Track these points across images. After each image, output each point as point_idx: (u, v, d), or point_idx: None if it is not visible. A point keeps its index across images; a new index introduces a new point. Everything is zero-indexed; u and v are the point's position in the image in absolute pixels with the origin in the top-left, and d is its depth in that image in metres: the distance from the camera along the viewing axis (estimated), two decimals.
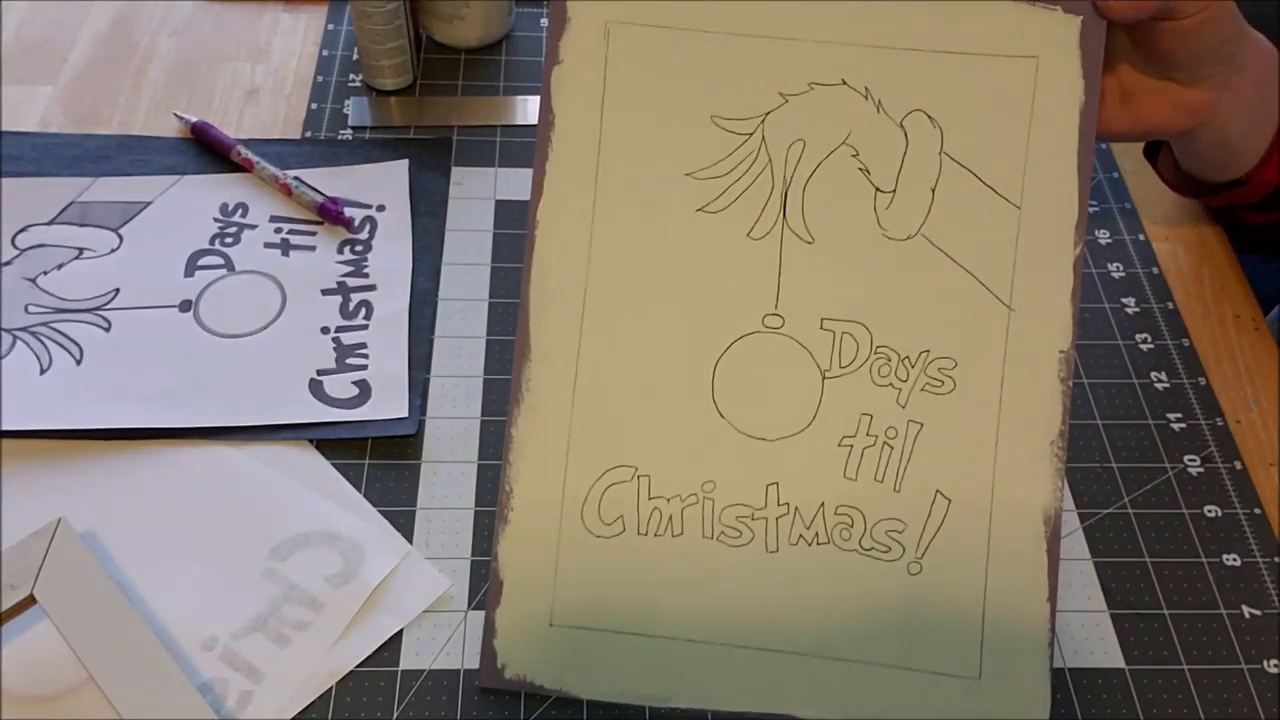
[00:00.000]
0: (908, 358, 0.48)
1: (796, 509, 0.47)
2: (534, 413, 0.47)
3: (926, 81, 0.48)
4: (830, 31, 0.48)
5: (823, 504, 0.47)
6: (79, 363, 0.56)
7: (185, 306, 0.59)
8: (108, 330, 0.58)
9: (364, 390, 0.56)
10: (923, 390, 0.47)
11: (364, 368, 0.57)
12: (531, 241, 0.47)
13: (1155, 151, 0.66)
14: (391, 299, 0.60)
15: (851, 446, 0.47)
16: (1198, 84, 0.53)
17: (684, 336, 0.48)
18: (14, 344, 0.57)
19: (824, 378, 0.48)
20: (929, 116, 0.48)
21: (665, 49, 0.48)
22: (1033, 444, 0.47)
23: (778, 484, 0.47)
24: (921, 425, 0.47)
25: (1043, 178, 0.48)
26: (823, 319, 0.48)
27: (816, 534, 0.47)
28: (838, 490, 0.47)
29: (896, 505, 0.47)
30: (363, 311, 0.60)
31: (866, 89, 0.48)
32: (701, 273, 0.48)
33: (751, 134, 0.48)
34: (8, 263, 0.60)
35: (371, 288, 0.61)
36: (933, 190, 0.48)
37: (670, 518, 0.47)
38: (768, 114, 0.48)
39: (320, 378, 0.57)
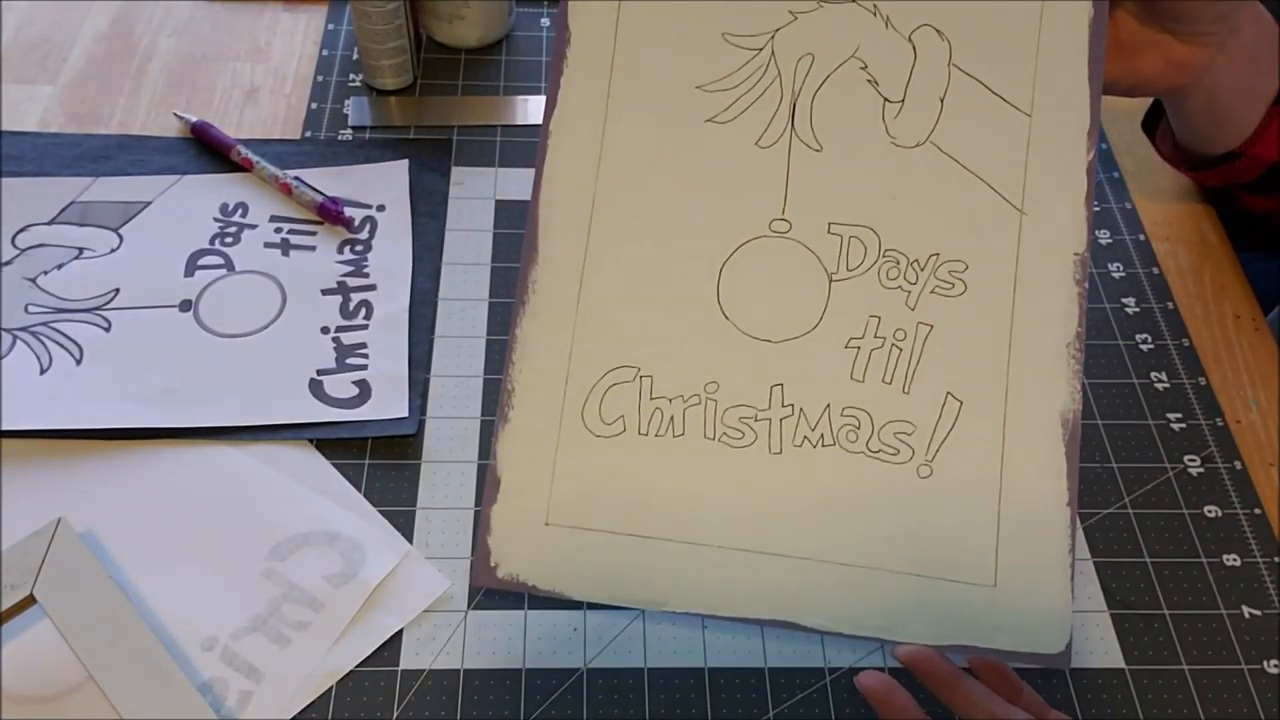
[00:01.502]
0: (916, 260, 0.48)
1: (801, 410, 0.47)
2: (538, 315, 0.48)
3: None
4: None
5: (828, 405, 0.47)
6: (79, 363, 0.56)
7: (185, 306, 0.59)
8: (108, 330, 0.58)
9: (364, 390, 0.56)
10: (932, 293, 0.48)
11: (364, 367, 0.57)
12: (543, 150, 0.48)
13: (1153, 126, 0.67)
14: (392, 299, 0.60)
15: (859, 348, 0.47)
16: (1192, 40, 0.54)
17: (690, 240, 0.48)
18: (14, 344, 0.57)
19: (831, 280, 0.48)
20: (937, 30, 0.48)
21: None
22: (1047, 346, 0.47)
23: (782, 385, 0.47)
24: (931, 327, 0.47)
25: (1053, 86, 0.48)
26: (830, 223, 0.48)
27: (822, 435, 0.47)
28: (844, 392, 0.47)
29: (905, 407, 0.47)
30: (363, 311, 0.60)
31: (875, 6, 0.49)
32: (709, 179, 0.48)
33: (761, 49, 0.49)
34: (8, 262, 0.60)
35: (372, 287, 0.61)
36: (941, 100, 0.48)
37: (672, 418, 0.47)
38: (777, 30, 0.49)
39: (320, 377, 0.57)
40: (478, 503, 0.53)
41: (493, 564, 0.46)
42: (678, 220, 0.48)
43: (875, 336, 0.47)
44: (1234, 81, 0.56)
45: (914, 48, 0.48)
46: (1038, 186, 0.48)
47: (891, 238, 0.48)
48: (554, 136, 0.48)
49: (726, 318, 0.48)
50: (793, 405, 0.47)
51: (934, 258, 0.48)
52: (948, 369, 0.47)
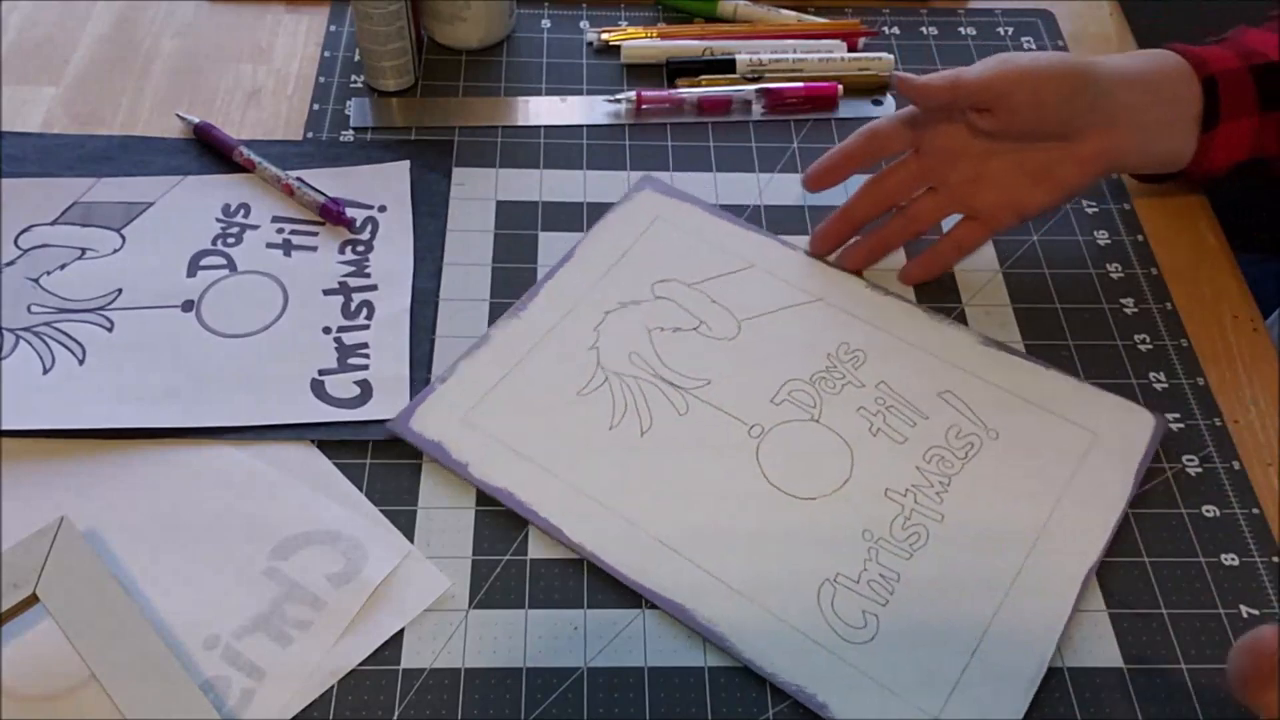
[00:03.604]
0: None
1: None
2: None
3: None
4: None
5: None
6: (81, 363, 0.57)
7: (188, 306, 0.60)
8: (110, 330, 0.58)
9: (365, 390, 0.56)
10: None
11: (365, 368, 0.57)
12: None
13: None
14: (393, 299, 0.60)
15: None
16: (1087, 138, 0.58)
17: None
18: (16, 344, 0.57)
19: None
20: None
21: None
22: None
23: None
24: None
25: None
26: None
27: None
28: None
29: None
30: (364, 311, 0.60)
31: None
32: None
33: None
34: (10, 263, 0.61)
35: (373, 288, 0.61)
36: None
37: None
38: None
39: (322, 378, 0.57)
40: (478, 502, 0.53)
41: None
42: None
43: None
44: (1147, 134, 0.59)
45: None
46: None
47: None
48: None
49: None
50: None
51: None
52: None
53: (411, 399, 0.56)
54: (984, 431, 0.56)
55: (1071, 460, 0.55)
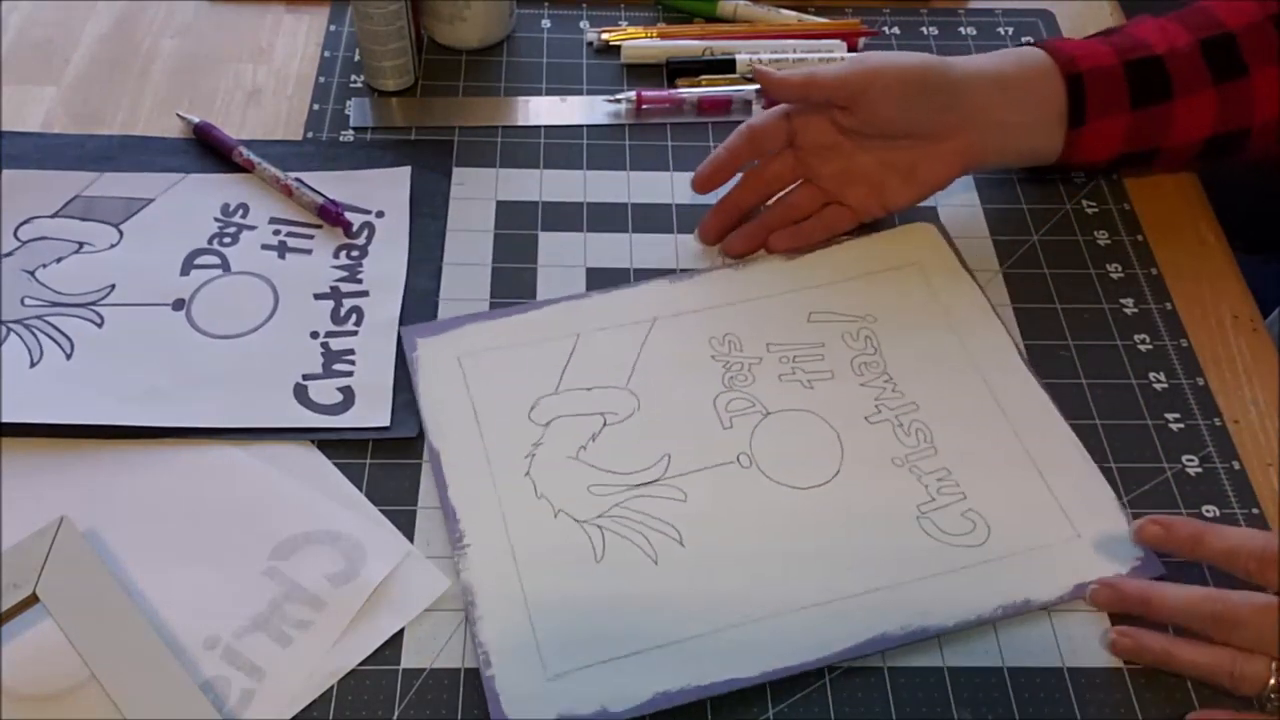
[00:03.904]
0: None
1: None
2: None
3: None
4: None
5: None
6: (69, 357, 0.57)
7: (178, 305, 0.60)
8: (100, 326, 0.58)
9: (348, 397, 0.56)
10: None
11: (350, 374, 0.57)
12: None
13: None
14: (383, 306, 0.60)
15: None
16: (944, 137, 0.61)
17: None
18: (7, 335, 0.57)
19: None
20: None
21: None
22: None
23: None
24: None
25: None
26: None
27: None
28: None
29: None
30: (354, 317, 0.60)
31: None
32: None
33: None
34: (9, 254, 0.61)
35: (364, 294, 0.61)
36: None
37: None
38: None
39: (306, 382, 0.57)
40: None
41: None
42: None
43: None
44: (1007, 132, 0.61)
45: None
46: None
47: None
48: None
49: None
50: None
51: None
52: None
53: (394, 410, 0.55)
54: (864, 321, 0.60)
55: (928, 294, 0.61)
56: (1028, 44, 0.63)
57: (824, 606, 0.50)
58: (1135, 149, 0.62)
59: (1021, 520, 0.53)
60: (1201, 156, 0.64)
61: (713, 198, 0.65)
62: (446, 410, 0.56)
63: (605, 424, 0.56)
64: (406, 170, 0.67)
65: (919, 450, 0.55)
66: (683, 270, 0.63)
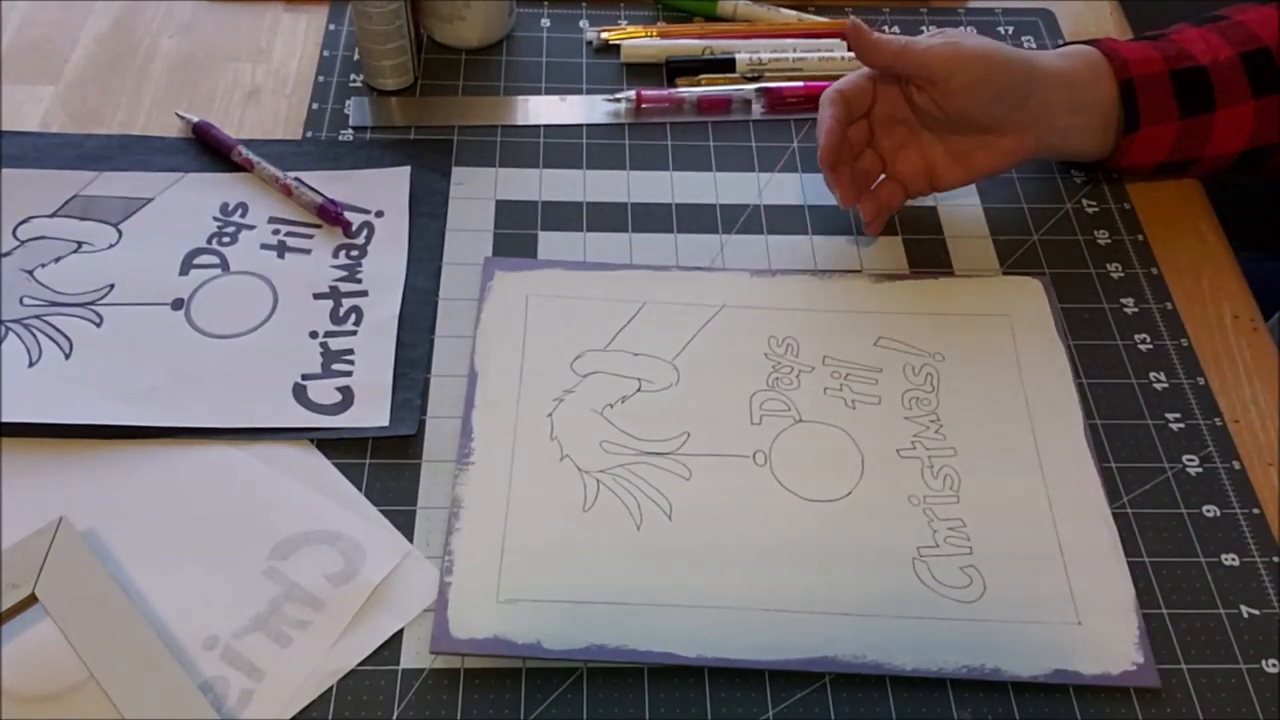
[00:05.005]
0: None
1: None
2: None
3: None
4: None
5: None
6: (68, 357, 0.56)
7: (177, 305, 0.59)
8: (99, 325, 0.58)
9: (347, 397, 0.56)
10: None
11: (349, 374, 0.57)
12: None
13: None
14: (383, 305, 0.60)
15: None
16: (1007, 133, 0.61)
17: None
18: (6, 335, 0.57)
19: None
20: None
21: None
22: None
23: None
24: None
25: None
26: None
27: None
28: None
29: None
30: (353, 317, 0.60)
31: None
32: None
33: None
34: (8, 253, 0.61)
35: (364, 294, 0.61)
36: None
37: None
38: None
39: (305, 382, 0.57)
40: None
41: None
42: None
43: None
44: (1068, 134, 0.62)
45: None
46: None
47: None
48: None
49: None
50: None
51: None
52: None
53: (392, 409, 0.55)
54: (931, 358, 0.59)
55: (1008, 349, 0.59)
56: (1081, 43, 0.63)
57: (785, 614, 0.49)
58: (1176, 158, 0.63)
59: (1023, 592, 0.51)
60: (1233, 169, 0.64)
61: (714, 198, 0.65)
62: (498, 339, 0.58)
63: (639, 389, 0.57)
64: (406, 170, 0.67)
65: (940, 495, 0.54)
66: (773, 270, 0.63)
